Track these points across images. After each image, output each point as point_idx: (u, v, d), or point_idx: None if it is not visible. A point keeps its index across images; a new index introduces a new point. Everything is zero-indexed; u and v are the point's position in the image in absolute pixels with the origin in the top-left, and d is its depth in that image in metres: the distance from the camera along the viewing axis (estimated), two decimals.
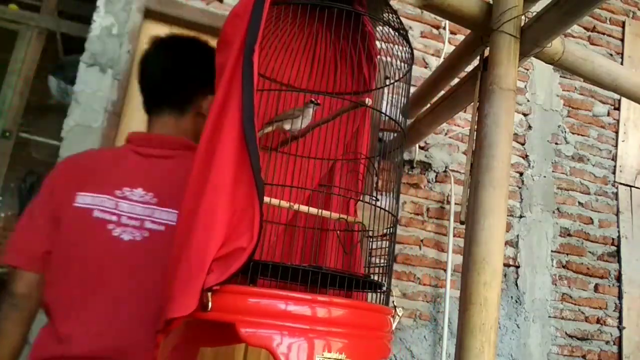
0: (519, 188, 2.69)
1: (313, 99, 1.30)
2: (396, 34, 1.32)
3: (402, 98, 1.38)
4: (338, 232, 1.37)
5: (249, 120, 1.08)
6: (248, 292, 1.05)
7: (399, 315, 1.22)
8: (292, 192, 1.27)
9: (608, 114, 2.99)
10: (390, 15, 1.32)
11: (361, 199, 1.31)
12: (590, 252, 2.75)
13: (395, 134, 1.45)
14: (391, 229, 1.32)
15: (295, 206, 1.25)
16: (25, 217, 1.21)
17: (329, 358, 1.00)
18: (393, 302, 1.30)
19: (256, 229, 1.03)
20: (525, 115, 2.79)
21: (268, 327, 1.00)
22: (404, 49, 1.35)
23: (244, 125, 1.09)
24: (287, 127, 1.32)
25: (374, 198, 1.26)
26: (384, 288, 1.19)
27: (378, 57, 1.48)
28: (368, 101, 1.28)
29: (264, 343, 0.98)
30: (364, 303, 1.20)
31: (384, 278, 1.28)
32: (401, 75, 1.37)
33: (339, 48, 1.57)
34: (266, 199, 1.29)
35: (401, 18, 1.40)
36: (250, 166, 1.07)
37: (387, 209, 1.27)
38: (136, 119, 2.07)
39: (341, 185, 1.46)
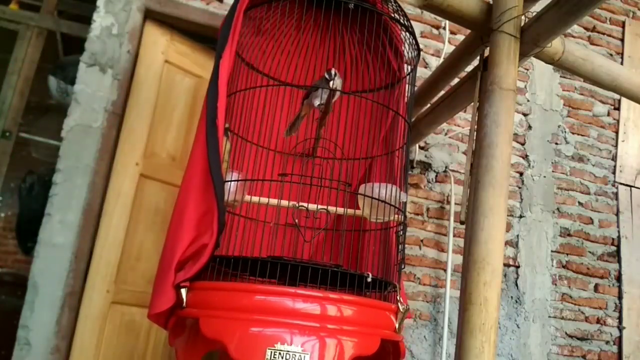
0: (519, 188, 2.69)
1: (328, 69, 1.33)
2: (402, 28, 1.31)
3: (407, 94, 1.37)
4: (297, 221, 1.39)
5: (212, 122, 1.14)
6: (207, 287, 1.11)
7: (401, 312, 1.22)
8: (332, 194, 1.31)
9: (608, 114, 2.99)
10: (396, 9, 1.32)
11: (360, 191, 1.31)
12: (590, 252, 2.75)
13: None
14: (401, 225, 1.31)
15: (294, 203, 1.27)
16: None
17: (282, 350, 1.03)
18: (398, 299, 1.28)
19: (215, 225, 1.09)
20: (525, 115, 2.79)
21: (226, 320, 1.05)
22: (410, 47, 1.34)
23: (207, 127, 1.13)
24: (316, 102, 1.37)
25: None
26: (369, 279, 1.19)
27: (404, 45, 1.47)
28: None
29: (219, 336, 1.04)
30: (355, 297, 1.19)
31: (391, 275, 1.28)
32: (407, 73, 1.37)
33: (360, 44, 1.56)
34: (272, 201, 1.31)
35: None
36: (209, 166, 1.11)
37: (387, 199, 1.27)
38: (136, 119, 2.08)
39: (381, 181, 1.46)
